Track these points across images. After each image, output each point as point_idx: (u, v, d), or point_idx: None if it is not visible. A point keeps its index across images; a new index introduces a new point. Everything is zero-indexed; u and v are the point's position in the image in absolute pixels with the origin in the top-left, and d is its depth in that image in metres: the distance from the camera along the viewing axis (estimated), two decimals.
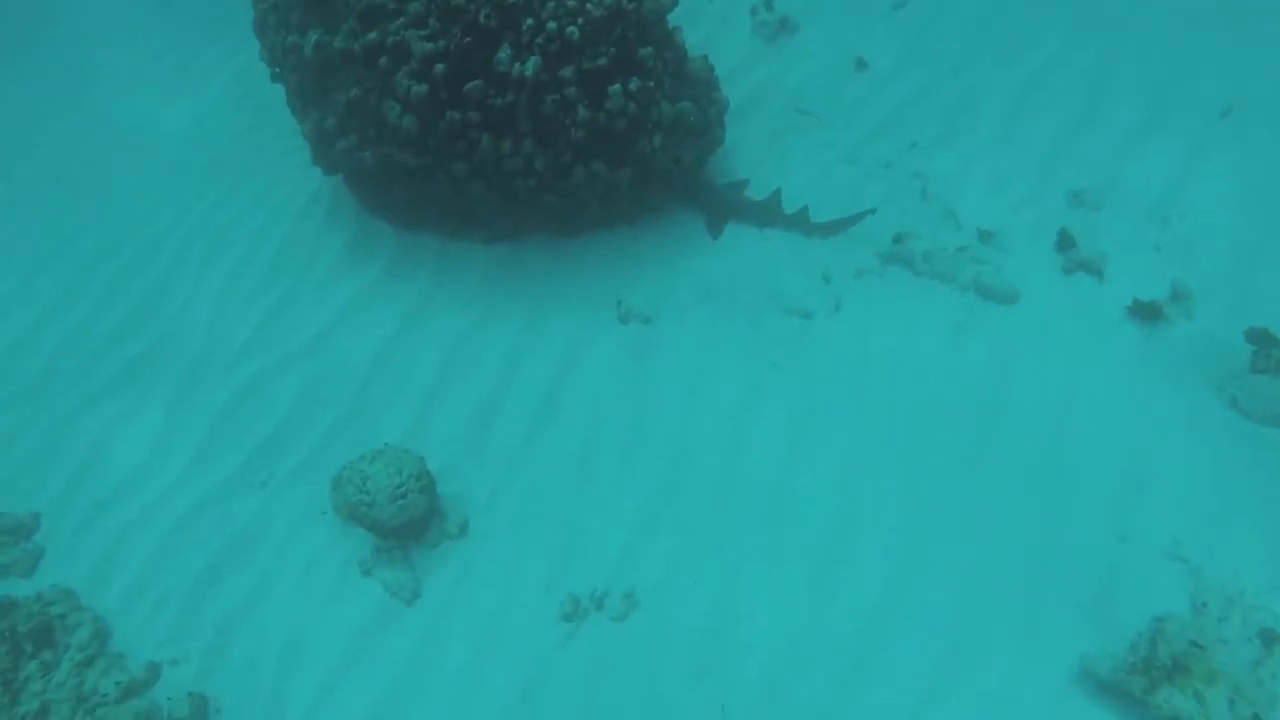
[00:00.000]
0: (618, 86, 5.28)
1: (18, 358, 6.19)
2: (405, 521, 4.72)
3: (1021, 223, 5.81)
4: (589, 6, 5.19)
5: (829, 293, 5.65)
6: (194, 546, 5.04)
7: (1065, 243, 5.55)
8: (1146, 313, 5.18)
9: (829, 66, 7.01)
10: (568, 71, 5.19)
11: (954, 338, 5.35)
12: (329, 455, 5.32)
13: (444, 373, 5.63)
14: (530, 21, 5.13)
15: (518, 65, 5.11)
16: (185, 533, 5.11)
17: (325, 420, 5.53)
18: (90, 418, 5.75)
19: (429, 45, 5.15)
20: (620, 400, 5.34)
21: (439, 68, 5.15)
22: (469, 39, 5.13)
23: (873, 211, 5.81)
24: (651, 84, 5.44)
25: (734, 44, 7.23)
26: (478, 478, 5.14)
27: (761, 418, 5.14)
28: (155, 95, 8.07)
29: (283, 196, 6.84)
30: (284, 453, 5.42)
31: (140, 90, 8.17)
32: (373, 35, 5.29)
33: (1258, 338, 4.87)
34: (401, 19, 5.26)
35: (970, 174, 6.14)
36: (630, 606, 4.57)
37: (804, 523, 4.73)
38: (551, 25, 5.11)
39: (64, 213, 7.18)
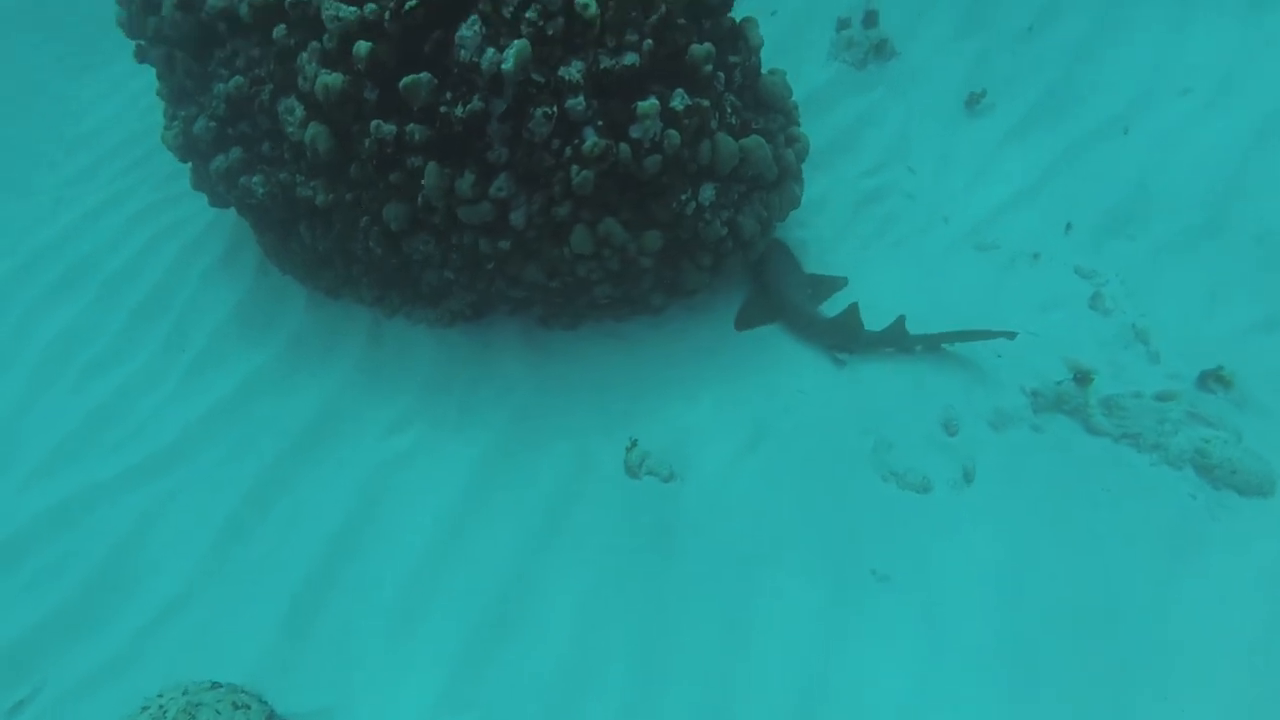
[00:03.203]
0: (653, 101, 3.25)
1: None
2: None
3: (1262, 355, 3.76)
4: None
5: (955, 451, 3.59)
6: None
7: None
8: None
9: (941, 106, 5.03)
10: (573, 70, 3.16)
11: (1169, 564, 3.22)
12: (148, 659, 3.23)
13: (348, 529, 3.57)
14: None
15: (491, 52, 3.08)
16: None
17: (155, 596, 3.43)
18: None
19: (351, 11, 3.14)
20: (621, 619, 3.21)
21: (362, 48, 3.12)
22: (416, 3, 3.11)
23: (1011, 335, 3.75)
24: (706, 103, 3.39)
25: (809, 67, 5.23)
26: None
27: (857, 675, 3.02)
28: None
29: (157, 232, 4.81)
30: (66, 650, 3.31)
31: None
32: None
33: None
34: None
35: (1168, 274, 4.10)
36: None
37: None
38: None
39: None
